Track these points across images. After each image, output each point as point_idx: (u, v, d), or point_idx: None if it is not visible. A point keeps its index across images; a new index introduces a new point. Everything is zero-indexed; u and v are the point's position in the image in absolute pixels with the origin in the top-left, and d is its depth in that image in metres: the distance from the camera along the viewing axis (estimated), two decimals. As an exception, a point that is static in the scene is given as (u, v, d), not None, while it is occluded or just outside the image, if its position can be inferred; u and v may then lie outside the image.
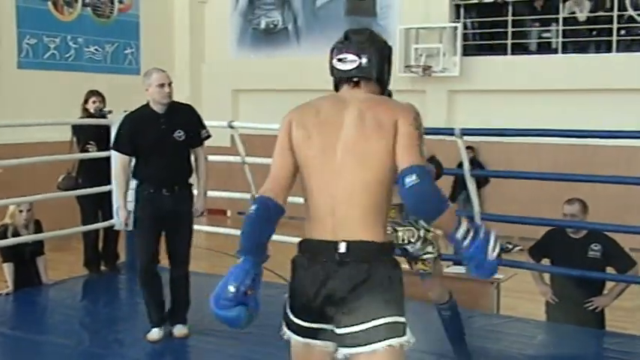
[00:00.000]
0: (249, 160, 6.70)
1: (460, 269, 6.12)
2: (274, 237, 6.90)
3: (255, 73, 11.38)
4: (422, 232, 3.99)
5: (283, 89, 11.16)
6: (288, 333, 2.52)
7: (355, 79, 2.52)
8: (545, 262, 5.36)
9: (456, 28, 10.12)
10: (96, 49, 10.56)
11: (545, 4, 10.32)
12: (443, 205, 2.32)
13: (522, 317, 5.42)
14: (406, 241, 3.96)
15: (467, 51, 10.27)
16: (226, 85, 11.68)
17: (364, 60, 2.50)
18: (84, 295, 6.09)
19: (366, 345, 2.34)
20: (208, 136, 4.91)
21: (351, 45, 2.52)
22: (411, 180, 2.29)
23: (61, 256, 7.31)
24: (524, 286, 6.12)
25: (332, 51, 2.56)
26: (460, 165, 5.74)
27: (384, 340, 2.34)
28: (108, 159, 6.48)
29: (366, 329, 2.34)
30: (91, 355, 4.56)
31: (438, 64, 10.02)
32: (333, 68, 2.56)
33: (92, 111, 6.84)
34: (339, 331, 2.38)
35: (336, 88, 2.60)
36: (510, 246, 9.41)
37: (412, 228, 3.97)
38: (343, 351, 2.38)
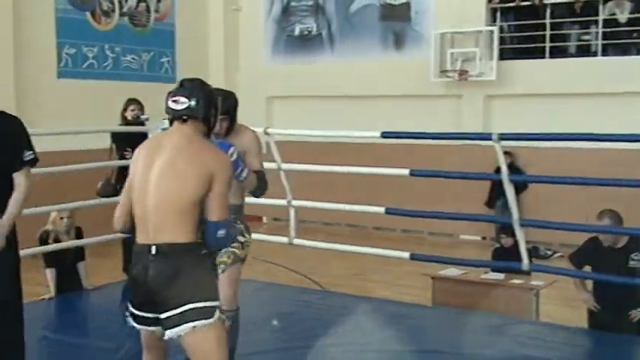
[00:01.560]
0: (285, 166, 6.71)
1: (499, 276, 6.07)
2: (307, 242, 6.87)
3: (290, 79, 11.40)
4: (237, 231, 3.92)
5: (317, 95, 11.18)
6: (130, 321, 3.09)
7: (184, 117, 3.06)
8: (587, 269, 5.28)
9: (492, 31, 10.04)
10: (133, 58, 10.68)
11: (585, 5, 10.17)
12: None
13: (563, 324, 5.36)
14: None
15: (504, 55, 10.19)
16: (261, 92, 11.72)
17: (192, 102, 3.05)
18: (124, 301, 6.14)
19: (177, 326, 2.91)
20: (34, 159, 3.77)
21: (184, 89, 3.09)
22: (222, 233, 2.98)
23: (102, 261, 7.38)
24: (564, 294, 6.05)
25: (168, 94, 3.10)
26: (498, 170, 5.69)
27: (192, 321, 2.90)
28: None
29: (180, 313, 2.91)
30: (130, 358, 4.60)
31: (475, 69, 9.95)
32: (167, 107, 3.08)
33: (130, 118, 6.91)
34: (161, 315, 2.95)
35: (171, 123, 3.12)
36: (550, 252, 9.31)
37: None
38: (169, 332, 2.94)
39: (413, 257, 5.96)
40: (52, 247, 6.05)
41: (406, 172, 6.00)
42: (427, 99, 10.45)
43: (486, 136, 5.71)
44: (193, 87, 3.10)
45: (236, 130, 4.03)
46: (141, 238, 2.99)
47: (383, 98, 10.72)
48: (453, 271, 6.25)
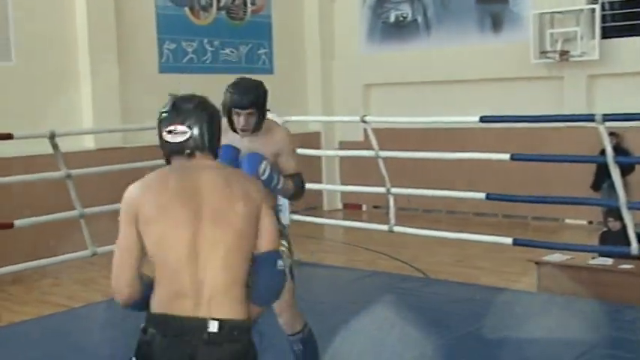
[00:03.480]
0: (383, 153, 6.69)
1: (607, 261, 5.89)
2: (408, 230, 6.88)
3: (386, 66, 11.35)
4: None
5: (414, 82, 11.08)
6: None
7: (188, 151, 2.36)
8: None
9: (593, 10, 9.70)
10: (231, 51, 10.86)
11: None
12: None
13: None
14: None
15: (606, 33, 9.83)
16: (357, 80, 11.71)
17: (195, 131, 2.35)
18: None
19: None
20: None
21: (180, 115, 2.36)
22: (281, 264, 2.35)
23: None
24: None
25: (160, 121, 2.39)
26: (603, 152, 5.52)
27: None
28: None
29: None
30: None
31: (576, 49, 9.64)
32: (163, 142, 2.38)
33: (229, 111, 7.03)
34: None
35: (168, 161, 2.42)
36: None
37: None
38: None
39: (516, 243, 5.86)
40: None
41: (507, 156, 5.90)
42: (527, 81, 10.20)
43: (590, 118, 5.56)
44: (192, 109, 2.39)
45: (266, 128, 3.52)
46: (178, 308, 2.23)
47: (481, 82, 10.54)
48: (558, 257, 6.10)
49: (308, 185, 3.79)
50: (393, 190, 6.73)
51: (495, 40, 10.61)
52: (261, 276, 2.32)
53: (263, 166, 3.32)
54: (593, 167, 9.01)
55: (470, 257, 7.74)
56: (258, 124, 3.45)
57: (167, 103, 2.41)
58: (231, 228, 2.27)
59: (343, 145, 10.93)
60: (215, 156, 2.44)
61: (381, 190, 6.80)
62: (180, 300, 2.22)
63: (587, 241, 7.72)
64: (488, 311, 5.19)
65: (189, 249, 2.23)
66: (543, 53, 9.80)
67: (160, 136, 2.39)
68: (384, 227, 6.54)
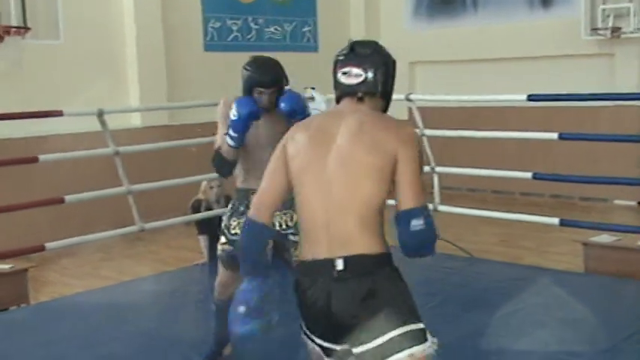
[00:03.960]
0: (428, 132, 6.66)
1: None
2: (453, 209, 6.86)
3: (432, 44, 11.24)
4: None
5: (460, 59, 10.97)
6: (309, 342, 2.44)
7: (359, 95, 2.42)
8: None
9: (647, -15, 9.48)
10: (275, 29, 10.85)
11: None
12: (434, 244, 2.40)
13: None
14: (283, 226, 3.66)
15: (659, 9, 9.60)
16: (402, 57, 11.50)
17: (370, 74, 2.41)
18: (273, 265, 6.33)
19: (388, 358, 2.25)
20: None
21: (356, 58, 2.43)
22: (418, 224, 2.29)
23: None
24: None
25: (335, 63, 2.47)
26: (655, 131, 5.42)
27: (405, 349, 2.26)
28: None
29: (384, 343, 2.26)
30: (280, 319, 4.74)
31: (628, 25, 9.42)
32: (336, 82, 2.46)
33: (274, 89, 7.05)
34: (356, 350, 2.30)
35: (338, 101, 2.50)
36: None
37: (289, 211, 3.63)
38: None
39: (563, 223, 5.79)
40: (204, 214, 6.31)
41: (555, 135, 5.82)
42: (577, 59, 10.01)
43: (642, 96, 5.45)
44: (368, 53, 2.44)
45: None
46: (313, 252, 2.35)
47: (529, 60, 10.38)
48: (605, 238, 6.01)
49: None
50: (438, 169, 6.70)
51: (545, 17, 10.43)
52: (398, 234, 2.34)
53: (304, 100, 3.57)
54: (643, 147, 8.85)
55: (515, 237, 7.67)
56: (277, 101, 3.60)
57: (345, 47, 2.47)
58: (357, 171, 2.30)
59: (388, 124, 10.88)
60: (386, 102, 2.49)
61: (426, 169, 6.77)
62: (315, 244, 2.33)
63: (636, 222, 7.61)
64: (533, 291, 5.16)
65: (319, 190, 2.32)
66: (594, 30, 9.61)
67: (335, 77, 2.45)
68: (429, 206, 6.51)
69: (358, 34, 11.87)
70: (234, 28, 10.31)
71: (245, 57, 11.02)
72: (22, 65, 7.92)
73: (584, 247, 6.07)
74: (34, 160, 5.62)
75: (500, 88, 8.54)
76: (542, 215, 6.33)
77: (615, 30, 9.44)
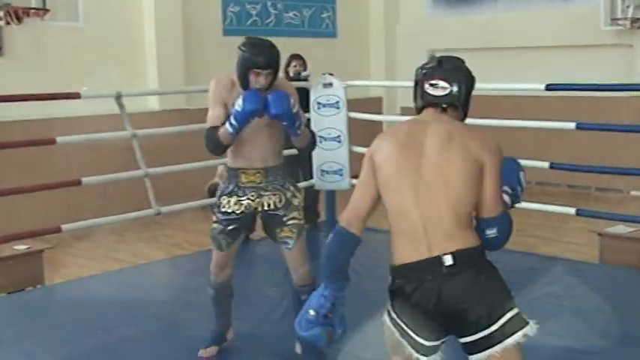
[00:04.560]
0: (446, 120, 6.63)
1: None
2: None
3: (450, 32, 11.18)
4: (289, 195, 3.75)
5: (480, 48, 10.90)
6: (403, 343, 2.52)
7: (444, 105, 2.60)
8: None
9: (669, -25, 9.38)
10: (294, 14, 10.83)
11: None
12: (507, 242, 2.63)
13: None
14: (272, 207, 3.72)
15: (681, 0, 9.50)
16: (421, 45, 11.56)
17: (455, 88, 2.59)
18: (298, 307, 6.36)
19: (499, 343, 2.42)
20: None
21: (443, 71, 2.60)
22: (491, 232, 2.53)
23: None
24: None
25: (423, 74, 2.63)
26: (674, 122, 5.37)
27: (514, 333, 2.44)
28: (308, 120, 6.68)
29: (496, 329, 2.43)
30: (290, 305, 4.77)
31: (649, 16, 9.35)
32: (423, 92, 2.61)
33: (291, 74, 7.05)
34: (466, 339, 2.46)
35: (420, 110, 2.66)
36: None
37: (279, 192, 3.73)
38: (476, 357, 2.46)
39: (579, 213, 5.76)
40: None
41: (572, 125, 5.78)
42: (596, 49, 9.94)
43: (661, 87, 5.40)
44: (454, 68, 2.63)
45: (276, 85, 3.69)
46: (414, 255, 2.46)
47: (548, 49, 10.31)
48: (621, 229, 5.99)
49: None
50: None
51: (564, 6, 10.35)
52: (491, 235, 2.54)
53: (292, 101, 3.53)
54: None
55: (531, 226, 7.65)
56: (272, 82, 3.63)
57: (431, 60, 2.67)
58: (448, 174, 2.47)
59: (405, 111, 10.87)
60: (464, 115, 2.68)
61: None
62: (414, 246, 2.46)
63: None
64: (548, 281, 5.15)
65: (413, 194, 2.47)
66: (614, 20, 9.53)
67: (421, 88, 2.62)
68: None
69: (377, 21, 11.84)
70: (254, 12, 10.30)
71: (264, 42, 10.69)
72: (40, 47, 7.95)
73: (599, 237, 6.05)
74: (52, 141, 5.65)
75: (518, 77, 8.51)
76: (558, 205, 6.30)
77: (635, 20, 9.36)
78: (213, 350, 4.07)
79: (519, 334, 2.45)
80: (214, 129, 3.64)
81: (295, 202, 3.80)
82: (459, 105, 2.62)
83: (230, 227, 3.80)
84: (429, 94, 2.60)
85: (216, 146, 3.65)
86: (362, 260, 5.64)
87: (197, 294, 5.06)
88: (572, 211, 5.79)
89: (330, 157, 6.67)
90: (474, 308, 2.42)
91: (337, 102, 6.65)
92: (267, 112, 3.54)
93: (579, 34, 9.93)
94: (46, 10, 7.73)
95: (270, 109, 3.52)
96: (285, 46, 8.28)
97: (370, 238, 6.62)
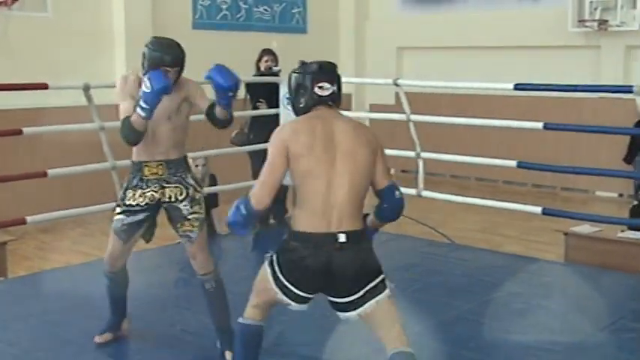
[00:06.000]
0: (414, 117, 6.67)
1: (637, 234, 5.85)
2: (436, 195, 6.80)
3: (420, 30, 11.23)
4: (190, 191, 3.85)
5: (448, 46, 10.98)
6: (278, 292, 3.05)
7: (330, 103, 3.12)
8: None
9: (635, -22, 9.50)
10: (265, 9, 10.79)
11: None
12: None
13: None
14: (173, 199, 3.82)
15: (647, 3, 9.63)
16: (391, 42, 11.61)
17: (335, 88, 3.13)
18: (254, 247, 6.36)
19: (367, 302, 2.98)
20: None
21: (327, 75, 3.13)
22: (399, 193, 3.13)
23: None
24: None
25: (311, 78, 3.10)
26: (638, 124, 5.45)
27: (380, 294, 3.00)
28: (277, 115, 6.66)
29: (364, 293, 2.98)
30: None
31: (615, 18, 9.46)
32: (313, 93, 3.10)
33: (262, 69, 7.03)
34: (340, 300, 3.01)
35: (309, 109, 3.12)
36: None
37: (180, 186, 3.84)
38: (350, 314, 3.02)
39: (545, 212, 5.83)
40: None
41: (540, 125, 5.85)
42: (563, 50, 10.05)
43: (626, 89, 5.48)
44: (333, 71, 3.16)
45: (180, 82, 3.85)
46: (318, 227, 2.95)
47: (517, 49, 10.40)
48: (586, 228, 6.06)
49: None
50: (423, 154, 6.72)
51: (533, 7, 10.45)
52: (386, 202, 3.13)
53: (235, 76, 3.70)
54: (626, 139, 8.91)
55: (497, 225, 7.73)
56: (177, 80, 3.79)
57: (309, 65, 3.14)
58: (357, 166, 2.99)
59: (373, 108, 10.89)
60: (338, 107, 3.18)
61: (411, 154, 6.79)
62: (317, 220, 2.95)
63: (618, 213, 7.67)
64: (513, 279, 5.20)
65: (327, 181, 2.95)
66: (581, 22, 9.65)
67: (310, 89, 3.10)
68: (412, 191, 6.53)
69: (347, 18, 11.85)
70: (224, 7, 10.25)
71: (234, 36, 11.03)
72: (7, 37, 7.84)
73: (565, 236, 6.12)
74: (18, 132, 5.57)
75: (487, 76, 8.57)
76: (524, 204, 6.36)
77: (602, 22, 9.48)
78: (107, 337, 4.14)
79: (383, 294, 3.00)
80: (127, 118, 3.69)
81: (197, 196, 3.88)
82: (338, 101, 3.16)
83: (134, 219, 3.87)
84: (319, 95, 3.10)
85: (131, 133, 3.68)
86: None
87: (162, 289, 5.04)
88: (538, 210, 5.85)
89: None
90: (352, 277, 2.96)
91: (307, 98, 6.63)
92: (218, 85, 3.66)
93: (547, 35, 10.03)
94: (14, 0, 7.62)
95: (223, 82, 3.65)
96: (256, 42, 8.31)
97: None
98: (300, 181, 3.00)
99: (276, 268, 3.04)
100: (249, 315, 3.21)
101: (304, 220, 2.99)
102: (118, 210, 3.94)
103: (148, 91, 3.54)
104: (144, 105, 3.58)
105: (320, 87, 3.09)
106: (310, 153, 2.97)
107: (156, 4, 9.23)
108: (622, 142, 8.44)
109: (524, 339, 4.10)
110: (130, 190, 3.87)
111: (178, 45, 3.83)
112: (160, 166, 3.81)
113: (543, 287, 5.11)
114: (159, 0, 9.29)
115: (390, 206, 3.14)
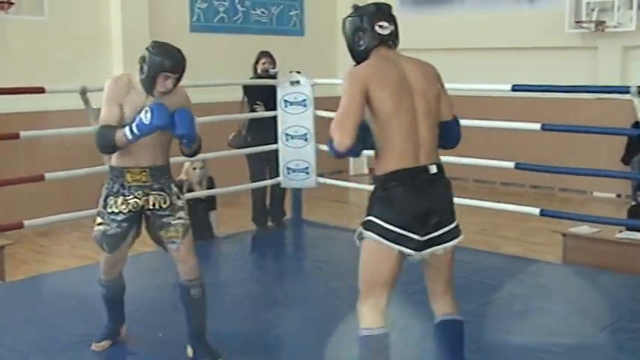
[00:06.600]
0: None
1: (635, 235, 5.85)
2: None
3: (417, 31, 11.17)
4: (173, 199, 3.80)
5: (445, 48, 10.97)
6: (382, 241, 3.00)
7: (391, 42, 3.14)
8: None
9: (632, -21, 9.51)
10: (262, 12, 10.78)
11: None
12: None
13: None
14: (157, 207, 3.76)
15: (644, 4, 9.64)
16: (388, 44, 11.61)
17: (393, 27, 3.15)
18: (252, 249, 6.35)
19: (455, 238, 3.11)
20: None
21: (385, 14, 3.15)
22: (455, 129, 3.23)
23: (231, 210, 7.62)
24: None
25: (370, 17, 3.11)
26: (636, 125, 5.45)
27: (455, 239, 3.11)
28: (275, 118, 6.66)
29: (455, 226, 3.11)
30: (259, 305, 4.75)
31: (612, 19, 9.48)
32: (374, 32, 3.10)
33: (260, 72, 7.02)
34: (436, 233, 3.03)
35: (370, 50, 3.12)
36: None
37: (163, 194, 3.77)
38: (438, 248, 3.06)
39: (543, 213, 5.82)
40: (186, 196, 6.28)
41: (537, 126, 5.84)
42: (561, 51, 10.06)
43: (624, 90, 5.47)
44: (390, 11, 3.19)
45: (175, 89, 3.77)
46: (405, 163, 2.98)
47: (514, 51, 10.41)
48: (584, 229, 6.07)
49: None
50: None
51: (530, 8, 10.46)
52: (451, 133, 3.21)
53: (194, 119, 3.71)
54: (624, 140, 8.92)
55: (495, 226, 7.72)
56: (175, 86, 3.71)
57: (365, 8, 3.16)
58: (431, 102, 3.06)
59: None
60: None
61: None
62: (408, 157, 2.98)
63: (616, 214, 7.67)
64: (511, 281, 5.19)
65: (410, 120, 2.99)
66: (578, 23, 9.66)
67: (370, 29, 3.10)
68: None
69: (344, 20, 11.83)
70: (221, 9, 10.24)
71: (231, 39, 11.01)
72: (4, 40, 7.83)
73: (563, 237, 6.12)
74: (16, 136, 5.56)
75: (484, 77, 8.57)
76: (522, 205, 6.36)
77: (599, 24, 9.49)
78: (105, 344, 4.09)
79: (461, 237, 3.12)
80: (108, 127, 3.60)
81: (179, 203, 3.82)
82: (398, 41, 3.18)
83: (118, 228, 3.76)
84: (379, 34, 3.10)
85: (109, 147, 3.63)
86: (325, 258, 5.68)
87: (159, 292, 5.03)
88: (536, 211, 5.85)
89: (296, 155, 6.66)
90: (447, 207, 3.07)
91: (304, 100, 6.64)
92: (171, 130, 3.60)
93: (544, 37, 10.04)
94: (11, 4, 7.62)
95: (176, 129, 3.59)
96: (253, 44, 8.30)
97: (337, 237, 6.66)
98: (384, 123, 2.99)
99: (379, 222, 2.99)
100: (369, 321, 2.99)
101: (393, 160, 3.00)
102: (99, 220, 3.80)
103: (147, 123, 3.49)
104: (135, 131, 3.52)
105: (380, 26, 3.10)
106: (392, 94, 2.97)
107: (153, 8, 9.22)
108: (620, 143, 8.47)
109: (524, 340, 4.10)
110: (112, 198, 3.75)
111: (180, 51, 3.74)
112: (144, 173, 3.71)
113: (542, 288, 5.10)
114: (156, 3, 9.28)
115: (455, 134, 3.23)
